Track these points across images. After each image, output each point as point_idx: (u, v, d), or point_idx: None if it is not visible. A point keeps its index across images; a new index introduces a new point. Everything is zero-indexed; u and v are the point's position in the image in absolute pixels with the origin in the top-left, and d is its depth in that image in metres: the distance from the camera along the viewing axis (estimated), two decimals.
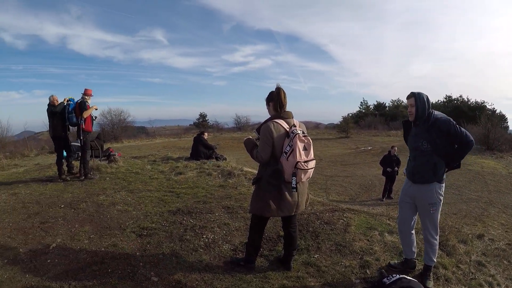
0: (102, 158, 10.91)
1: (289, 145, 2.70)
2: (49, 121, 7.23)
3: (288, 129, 2.81)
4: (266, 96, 3.07)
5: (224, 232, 4.55)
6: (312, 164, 2.82)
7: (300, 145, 2.71)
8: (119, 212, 5.39)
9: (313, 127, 44.70)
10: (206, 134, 10.92)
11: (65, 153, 7.99)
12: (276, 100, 2.92)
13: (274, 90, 2.95)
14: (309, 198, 3.48)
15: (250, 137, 3.19)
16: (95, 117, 7.58)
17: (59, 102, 7.19)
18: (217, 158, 10.08)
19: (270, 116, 2.98)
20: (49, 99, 7.16)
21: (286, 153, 2.72)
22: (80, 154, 7.72)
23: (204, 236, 4.37)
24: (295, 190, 2.76)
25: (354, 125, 29.32)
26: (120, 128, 28.38)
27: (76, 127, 7.22)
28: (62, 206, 5.61)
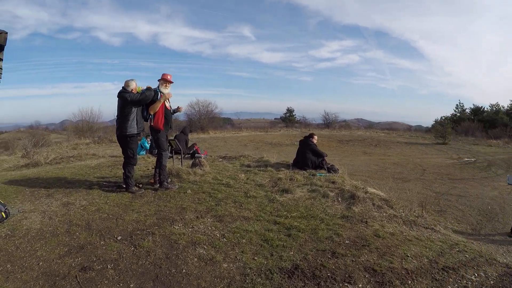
0: (186, 156, 9.50)
1: None
2: (133, 114, 5.39)
3: None
4: None
5: None
6: None
7: None
8: (201, 263, 3.41)
9: (405, 129, 41.26)
10: (315, 137, 8.49)
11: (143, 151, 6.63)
12: None
13: None
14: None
15: None
16: (177, 110, 5.93)
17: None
18: (328, 169, 7.67)
19: None
20: (128, 84, 5.43)
21: None
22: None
23: None
24: None
25: (451, 131, 25.49)
26: (207, 119, 29.50)
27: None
28: (119, 238, 3.89)
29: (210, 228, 4.19)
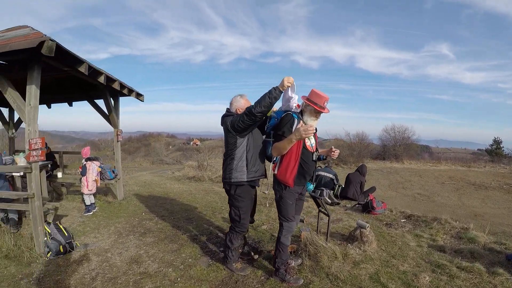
0: (357, 205, 6.98)
1: None
2: (241, 148, 3.36)
3: None
4: None
5: None
6: None
7: None
8: None
9: None
10: None
11: None
12: None
13: None
14: None
15: None
16: (329, 154, 3.35)
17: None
18: None
19: None
20: (231, 102, 3.48)
21: None
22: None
23: None
24: None
25: None
26: (403, 147, 27.34)
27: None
28: None
29: None
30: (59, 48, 3.34)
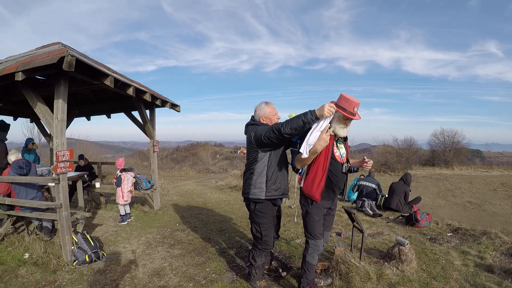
0: (400, 217, 6.50)
1: None
2: (261, 163, 3.10)
3: None
4: None
5: None
6: None
7: None
8: None
9: None
10: None
11: None
12: None
13: None
14: None
15: None
16: (362, 165, 3.01)
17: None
18: None
19: None
20: (255, 110, 3.29)
21: None
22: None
23: None
24: None
25: None
26: (453, 152, 25.73)
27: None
28: None
29: None
30: (80, 63, 3.43)
